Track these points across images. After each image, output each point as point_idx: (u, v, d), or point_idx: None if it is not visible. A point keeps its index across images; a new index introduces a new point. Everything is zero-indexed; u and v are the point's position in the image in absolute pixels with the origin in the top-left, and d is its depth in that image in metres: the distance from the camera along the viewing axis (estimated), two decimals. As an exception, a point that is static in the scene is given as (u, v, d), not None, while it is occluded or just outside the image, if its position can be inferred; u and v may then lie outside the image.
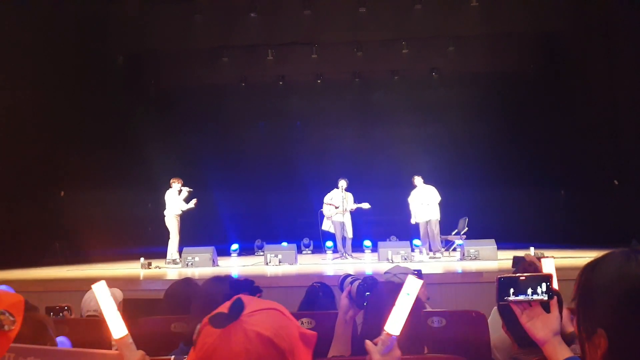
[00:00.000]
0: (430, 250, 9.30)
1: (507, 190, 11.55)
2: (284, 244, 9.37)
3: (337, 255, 9.62)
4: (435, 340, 2.53)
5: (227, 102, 13.21)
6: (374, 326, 1.30)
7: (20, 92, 9.09)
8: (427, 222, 9.24)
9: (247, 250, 11.88)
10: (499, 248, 8.26)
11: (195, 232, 10.09)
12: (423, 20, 11.26)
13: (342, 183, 9.28)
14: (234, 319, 0.96)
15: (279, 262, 8.20)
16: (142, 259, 8.34)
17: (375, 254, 9.15)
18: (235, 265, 8.95)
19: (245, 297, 1.01)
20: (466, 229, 9.85)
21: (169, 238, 8.91)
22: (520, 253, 2.93)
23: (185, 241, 9.06)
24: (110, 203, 10.39)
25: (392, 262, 7.76)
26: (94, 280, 1.54)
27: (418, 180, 9.44)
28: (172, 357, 1.87)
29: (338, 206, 9.27)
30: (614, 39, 10.67)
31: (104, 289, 1.51)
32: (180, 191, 8.96)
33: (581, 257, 6.77)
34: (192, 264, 8.28)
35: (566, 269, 4.74)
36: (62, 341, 2.35)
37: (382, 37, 11.98)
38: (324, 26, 11.54)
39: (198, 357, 0.98)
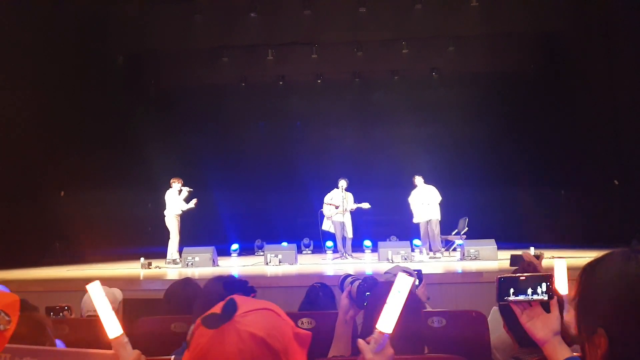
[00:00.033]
0: (431, 250, 9.30)
1: (507, 190, 11.57)
2: (284, 244, 9.38)
3: (337, 255, 9.62)
4: (435, 340, 2.53)
5: (227, 102, 13.19)
6: (374, 326, 1.30)
7: (20, 92, 9.08)
8: (428, 222, 9.24)
9: (247, 250, 11.88)
10: (499, 248, 8.26)
11: (196, 232, 10.09)
12: (423, 20, 11.25)
13: (342, 183, 9.28)
14: (227, 319, 0.96)
15: (279, 262, 8.20)
16: (142, 259, 8.35)
17: (376, 254, 9.15)
18: (235, 265, 8.94)
19: (238, 298, 1.01)
20: (466, 229, 9.84)
21: (169, 238, 8.91)
22: (519, 252, 2.92)
23: (186, 241, 9.07)
24: (110, 203, 10.38)
25: (392, 262, 7.77)
26: (94, 280, 1.54)
27: (419, 180, 9.44)
28: (173, 357, 1.86)
29: (338, 206, 9.27)
30: (614, 39, 10.66)
31: (98, 289, 1.52)
32: (180, 191, 8.96)
33: (581, 257, 6.76)
34: (192, 264, 8.28)
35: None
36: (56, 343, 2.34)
37: (382, 37, 11.96)
38: (324, 26, 11.53)
39: (192, 358, 0.97)
